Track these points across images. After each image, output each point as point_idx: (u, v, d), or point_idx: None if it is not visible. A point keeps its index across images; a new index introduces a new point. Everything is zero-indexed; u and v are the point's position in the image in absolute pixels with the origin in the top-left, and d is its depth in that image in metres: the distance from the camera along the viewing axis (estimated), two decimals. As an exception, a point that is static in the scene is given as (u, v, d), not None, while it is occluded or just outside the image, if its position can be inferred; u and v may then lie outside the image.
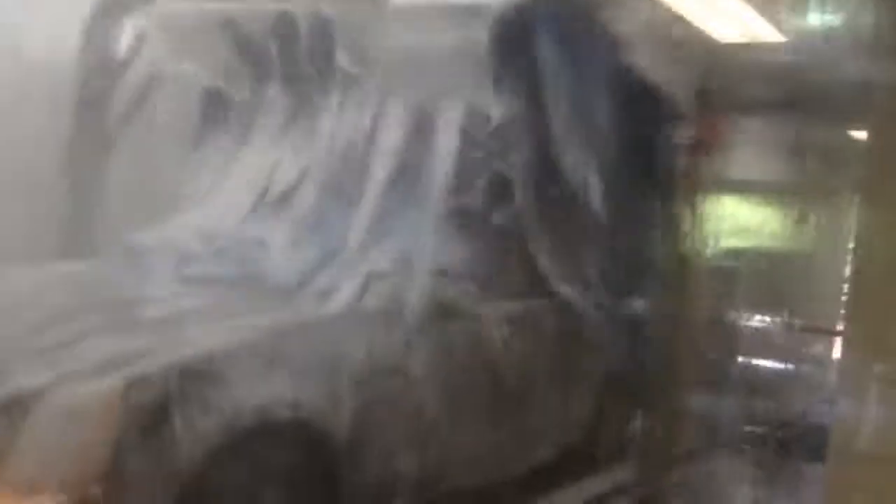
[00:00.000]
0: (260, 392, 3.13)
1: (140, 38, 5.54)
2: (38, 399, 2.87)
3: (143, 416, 2.86)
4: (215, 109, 5.07)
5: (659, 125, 4.32)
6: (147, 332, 3.30)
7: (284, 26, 4.64)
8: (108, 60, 5.71)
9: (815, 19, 4.08)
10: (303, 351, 3.39)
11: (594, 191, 4.35)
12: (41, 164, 5.49)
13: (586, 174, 4.34)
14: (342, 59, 4.44)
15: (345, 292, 3.82)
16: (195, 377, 3.00)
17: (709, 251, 4.78)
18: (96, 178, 5.60)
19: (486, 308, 4.17)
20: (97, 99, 5.70)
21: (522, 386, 4.28)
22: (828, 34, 3.97)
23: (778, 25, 3.74)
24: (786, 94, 4.67)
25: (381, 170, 4.31)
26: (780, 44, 3.89)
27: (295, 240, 4.26)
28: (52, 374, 2.96)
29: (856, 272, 3.40)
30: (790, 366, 6.30)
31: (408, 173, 4.29)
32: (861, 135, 6.37)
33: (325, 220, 4.33)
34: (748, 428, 5.40)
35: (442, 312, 3.89)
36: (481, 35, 4.05)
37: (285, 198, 4.49)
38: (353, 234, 4.17)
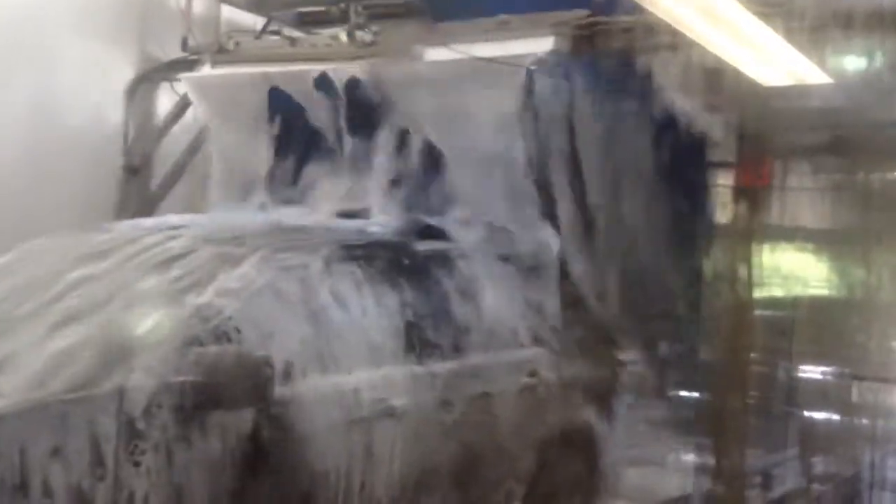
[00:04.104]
0: None
1: (182, 103, 5.60)
2: None
3: None
4: None
5: (705, 172, 4.24)
6: None
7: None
8: (150, 125, 5.79)
9: (862, 61, 4.00)
10: None
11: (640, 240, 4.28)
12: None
13: (631, 224, 4.27)
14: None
15: None
16: None
17: (760, 300, 4.63)
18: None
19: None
20: (140, 163, 5.76)
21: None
22: (875, 76, 3.88)
23: (825, 68, 3.66)
24: (835, 137, 4.56)
25: None
26: (827, 86, 3.80)
27: None
28: None
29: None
30: (851, 418, 6.08)
31: None
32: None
33: None
34: (812, 485, 5.20)
35: None
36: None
37: None
38: None
